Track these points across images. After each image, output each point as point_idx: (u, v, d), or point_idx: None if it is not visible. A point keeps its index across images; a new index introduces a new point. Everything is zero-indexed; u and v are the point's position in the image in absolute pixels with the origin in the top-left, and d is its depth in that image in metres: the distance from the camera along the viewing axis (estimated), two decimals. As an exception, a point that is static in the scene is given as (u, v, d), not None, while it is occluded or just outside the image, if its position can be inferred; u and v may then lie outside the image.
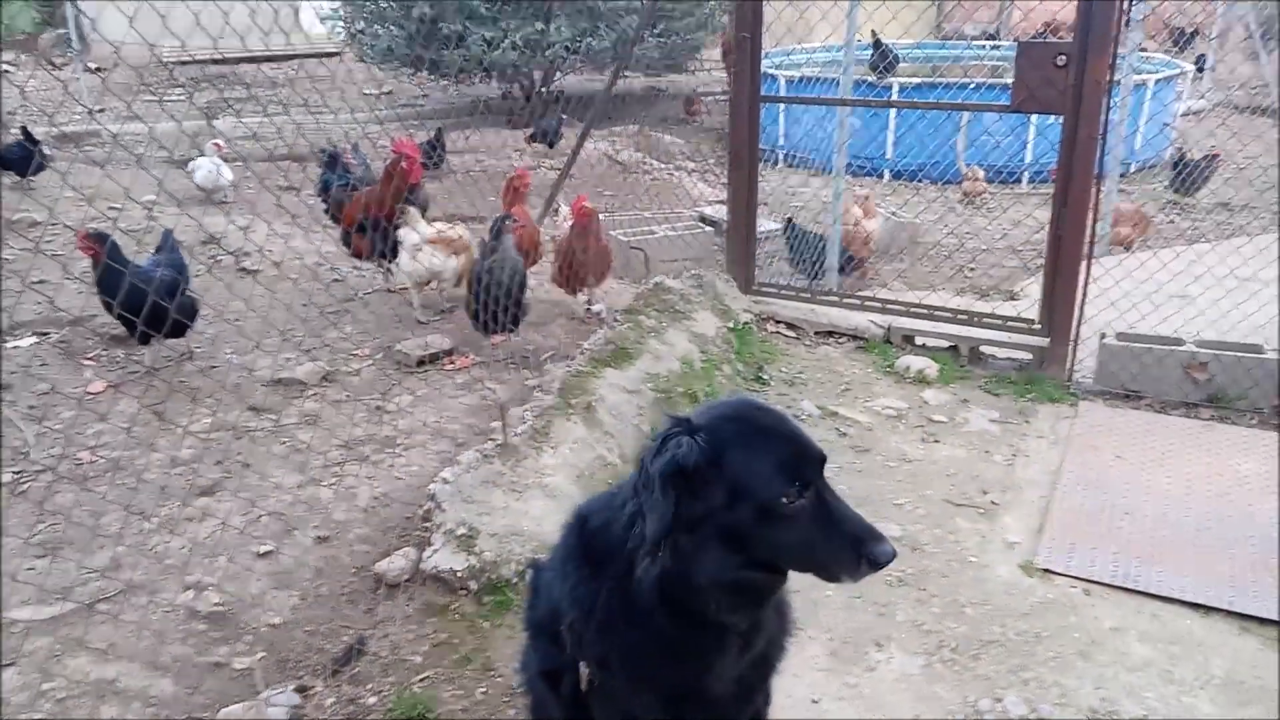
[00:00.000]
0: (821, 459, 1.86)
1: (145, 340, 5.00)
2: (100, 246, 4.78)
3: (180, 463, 4.04)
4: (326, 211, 6.79)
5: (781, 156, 11.12)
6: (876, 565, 1.80)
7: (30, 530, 3.63)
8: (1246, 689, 3.11)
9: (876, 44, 11.57)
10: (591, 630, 1.95)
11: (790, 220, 7.13)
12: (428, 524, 3.65)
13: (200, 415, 4.49)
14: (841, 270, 6.97)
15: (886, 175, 11.11)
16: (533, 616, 2.33)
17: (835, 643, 3.35)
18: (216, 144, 8.16)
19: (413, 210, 5.82)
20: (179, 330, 4.97)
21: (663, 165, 10.52)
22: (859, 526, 1.82)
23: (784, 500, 1.78)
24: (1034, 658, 3.27)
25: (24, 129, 8.04)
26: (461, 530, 3.51)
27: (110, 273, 4.66)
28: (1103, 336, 5.28)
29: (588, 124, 7.07)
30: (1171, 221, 8.43)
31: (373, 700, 3.02)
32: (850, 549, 1.80)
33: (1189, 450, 4.60)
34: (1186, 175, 9.17)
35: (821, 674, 3.21)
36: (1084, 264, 5.16)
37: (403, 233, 5.76)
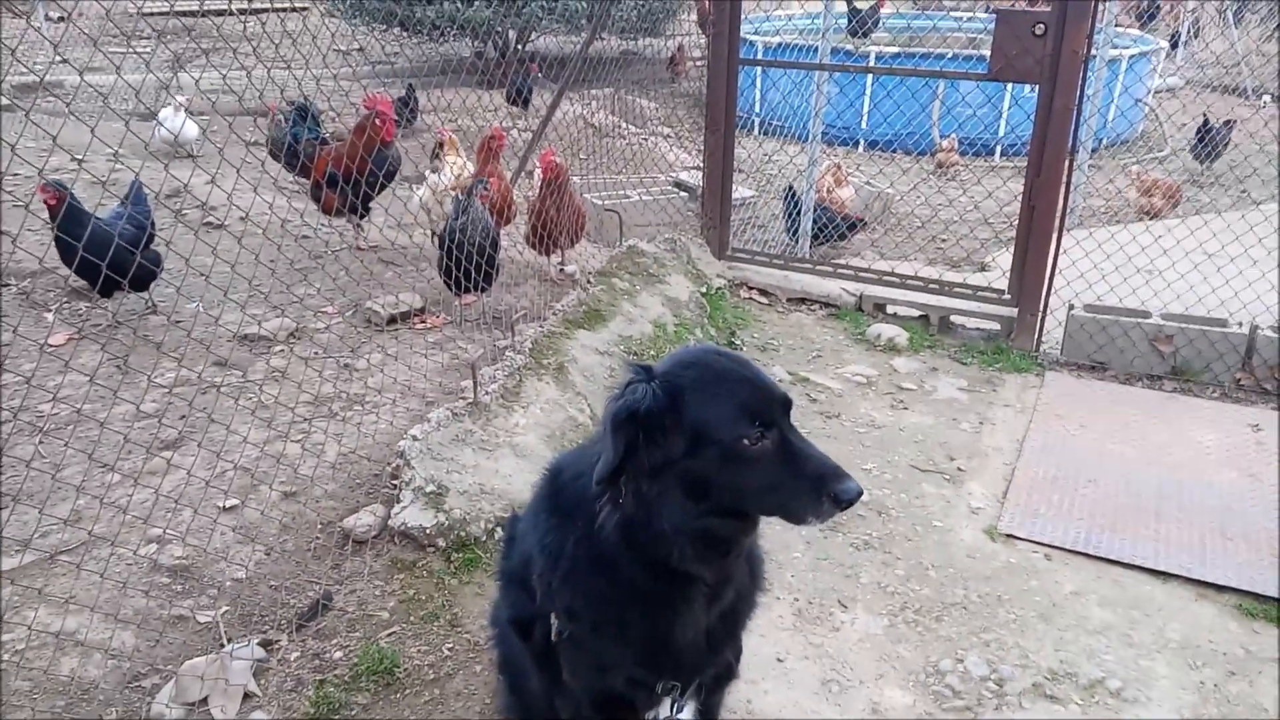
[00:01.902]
0: (785, 401, 1.83)
1: (107, 293, 4.90)
2: (60, 195, 4.66)
3: (144, 416, 3.98)
4: (291, 166, 6.67)
5: (757, 123, 11.07)
6: (840, 503, 1.76)
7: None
8: (1202, 653, 3.18)
9: (854, 11, 11.52)
10: (559, 578, 1.94)
11: (791, 188, 7.12)
12: (396, 481, 3.63)
13: (164, 369, 4.42)
14: (842, 236, 7.03)
15: (861, 144, 11.11)
16: (506, 566, 2.32)
17: (801, 603, 3.38)
18: (179, 99, 7.97)
19: (443, 160, 6.23)
20: (142, 283, 4.88)
21: (637, 130, 10.43)
22: (823, 465, 1.78)
23: (745, 442, 1.76)
24: (995, 620, 3.32)
25: None
26: (431, 488, 3.49)
27: (69, 224, 4.55)
28: (1070, 308, 5.32)
29: (562, 85, 6.98)
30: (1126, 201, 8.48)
31: (338, 655, 3.01)
32: (814, 488, 1.76)
33: (1152, 421, 4.67)
34: (1209, 143, 9.30)
35: (787, 633, 3.24)
36: (1055, 235, 5.19)
37: (431, 179, 6.13)
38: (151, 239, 4.94)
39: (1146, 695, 2.99)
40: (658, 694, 2.05)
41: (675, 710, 2.08)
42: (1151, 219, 7.64)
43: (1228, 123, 9.41)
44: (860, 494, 1.77)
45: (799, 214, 6.95)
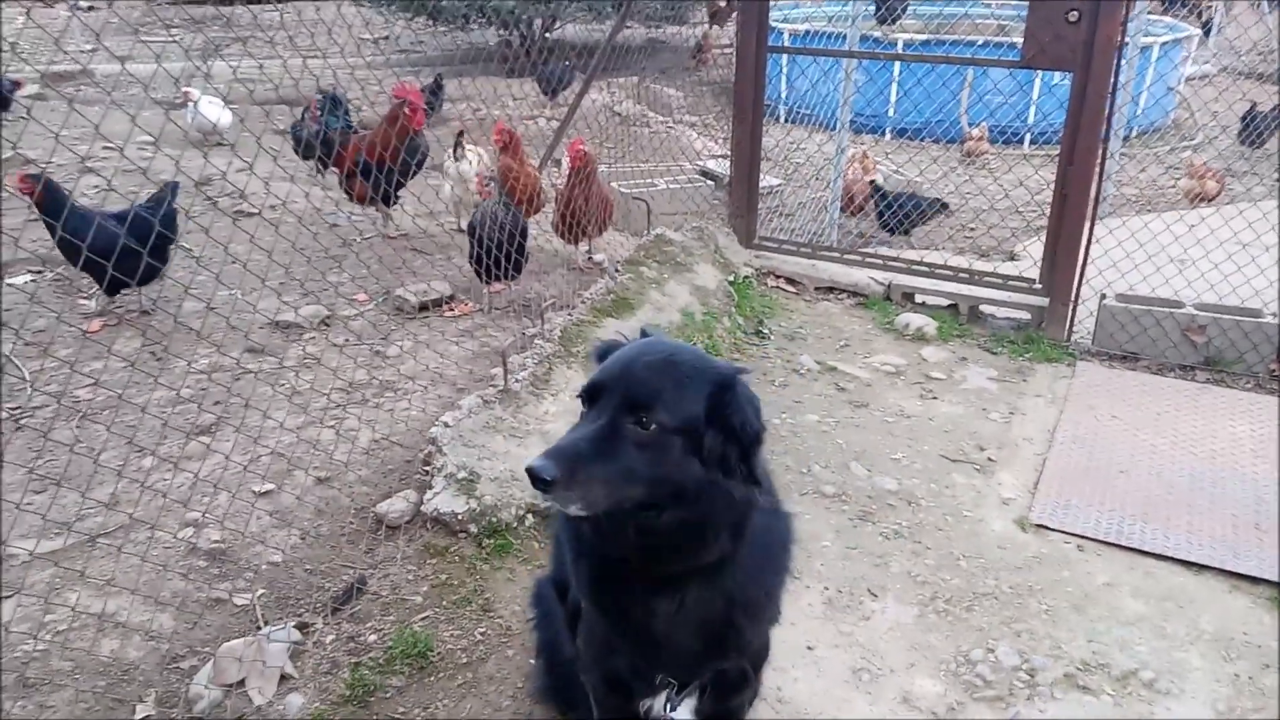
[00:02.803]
0: (622, 394, 1.78)
1: (113, 291, 4.92)
2: (36, 186, 4.61)
3: (180, 401, 4.04)
4: (325, 158, 6.70)
5: (783, 111, 11.02)
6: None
7: (31, 464, 3.64)
8: (1236, 645, 3.15)
9: (882, -4, 11.44)
10: (567, 540, 2.00)
11: (874, 183, 7.15)
12: (428, 467, 3.66)
13: (201, 355, 4.48)
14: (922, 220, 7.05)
15: (889, 133, 11.03)
16: (557, 528, 2.36)
17: (831, 591, 3.39)
18: (187, 91, 7.96)
19: (468, 148, 6.32)
20: (144, 280, 4.76)
21: (663, 119, 10.42)
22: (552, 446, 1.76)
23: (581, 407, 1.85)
24: (1027, 610, 3.31)
25: None
26: (462, 474, 3.52)
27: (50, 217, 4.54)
28: (1102, 297, 5.28)
29: (590, 74, 6.97)
30: (1174, 185, 8.39)
31: (373, 638, 3.04)
32: None
33: (1184, 411, 4.63)
34: (1256, 128, 9.28)
35: (817, 622, 3.24)
36: (1087, 224, 5.15)
37: (457, 168, 6.26)
38: (160, 239, 4.81)
39: (1180, 687, 2.98)
40: (655, 686, 2.06)
41: (669, 707, 2.08)
42: (1206, 203, 7.57)
43: None
44: (532, 470, 1.67)
45: (889, 204, 6.97)
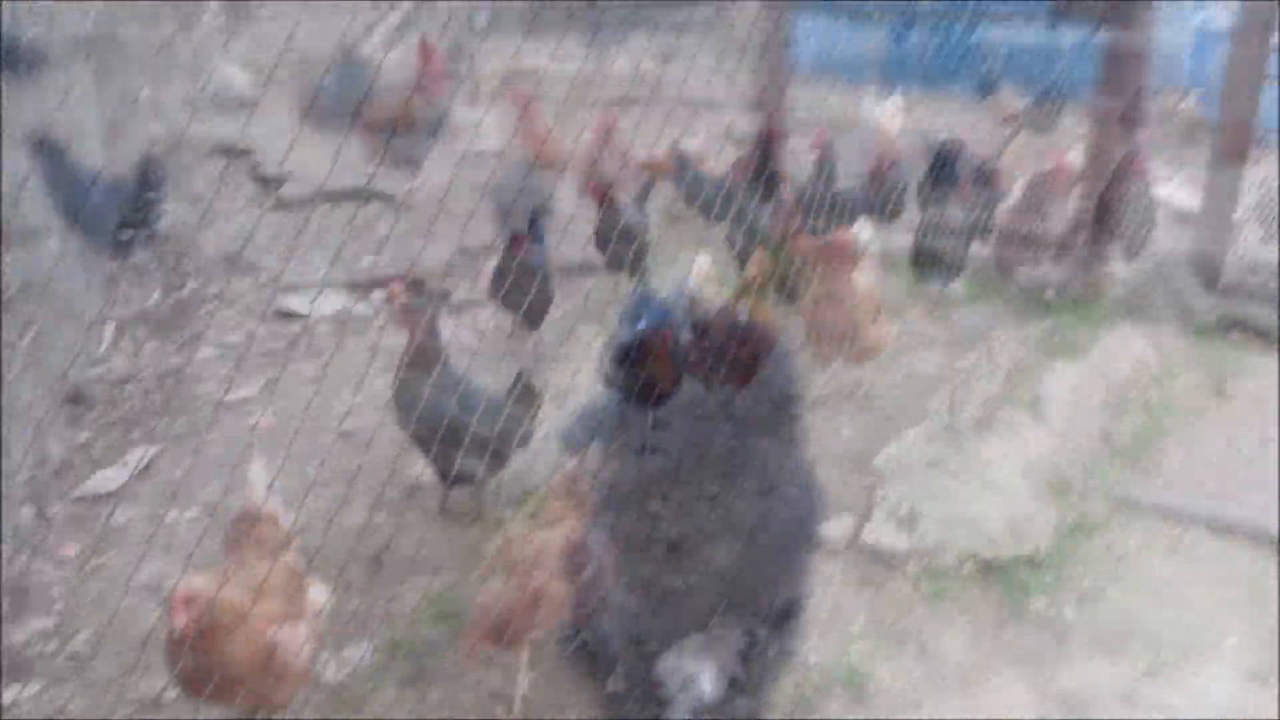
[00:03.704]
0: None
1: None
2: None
3: (211, 368, 4.08)
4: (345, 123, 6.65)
5: (808, 69, 10.85)
6: None
7: (68, 431, 3.70)
8: (1266, 606, 3.14)
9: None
10: None
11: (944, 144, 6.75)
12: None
13: (232, 322, 4.51)
14: None
15: (915, 90, 10.85)
16: None
17: (861, 556, 3.36)
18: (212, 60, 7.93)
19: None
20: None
21: (684, 78, 10.27)
22: None
23: None
24: (1059, 572, 3.30)
25: None
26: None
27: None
28: (1134, 256, 5.21)
29: (605, 30, 6.90)
30: (1207, 144, 8.22)
31: (404, 598, 3.08)
32: None
33: (1214, 372, 4.57)
34: None
35: (844, 587, 3.23)
36: (1121, 183, 5.07)
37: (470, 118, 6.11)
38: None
39: (1211, 649, 2.97)
40: (678, 644, 2.07)
41: (694, 664, 2.10)
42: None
43: None
44: None
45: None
